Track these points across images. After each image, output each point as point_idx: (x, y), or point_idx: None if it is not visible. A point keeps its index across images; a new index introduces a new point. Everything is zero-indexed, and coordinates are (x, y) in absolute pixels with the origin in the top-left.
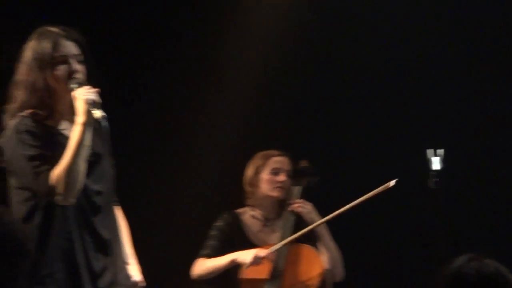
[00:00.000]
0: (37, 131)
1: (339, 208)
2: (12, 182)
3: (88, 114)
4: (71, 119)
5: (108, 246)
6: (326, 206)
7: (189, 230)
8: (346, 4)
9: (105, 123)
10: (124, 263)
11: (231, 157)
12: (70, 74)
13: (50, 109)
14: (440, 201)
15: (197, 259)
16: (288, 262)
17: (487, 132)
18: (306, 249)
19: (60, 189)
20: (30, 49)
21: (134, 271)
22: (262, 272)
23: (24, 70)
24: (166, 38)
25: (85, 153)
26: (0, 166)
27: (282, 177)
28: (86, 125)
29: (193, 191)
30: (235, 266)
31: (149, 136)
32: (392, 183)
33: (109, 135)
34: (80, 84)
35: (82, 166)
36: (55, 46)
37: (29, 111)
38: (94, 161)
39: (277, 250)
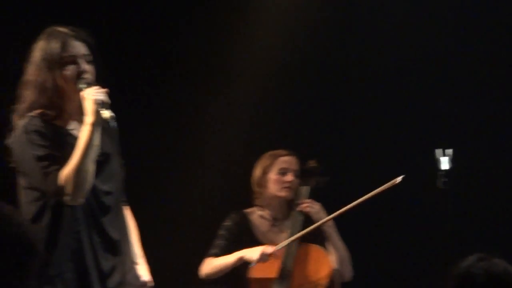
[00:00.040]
0: (46, 131)
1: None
2: (21, 182)
3: (97, 114)
4: (80, 119)
5: (117, 246)
6: (335, 206)
7: (198, 229)
8: (356, 4)
9: (113, 123)
10: (133, 263)
11: (240, 157)
12: (79, 74)
13: (59, 109)
14: (449, 201)
15: (206, 259)
16: (297, 262)
17: (496, 132)
18: (315, 249)
19: (68, 189)
20: (39, 49)
21: (143, 271)
22: (271, 271)
23: (33, 70)
24: (174, 38)
25: (94, 153)
26: (9, 166)
27: (289, 177)
28: (94, 125)
29: (202, 190)
30: (244, 266)
31: (158, 136)
32: (399, 179)
33: (117, 135)
34: (89, 84)
35: (90, 166)
36: (64, 46)
37: (38, 111)
38: (103, 161)
39: (285, 249)
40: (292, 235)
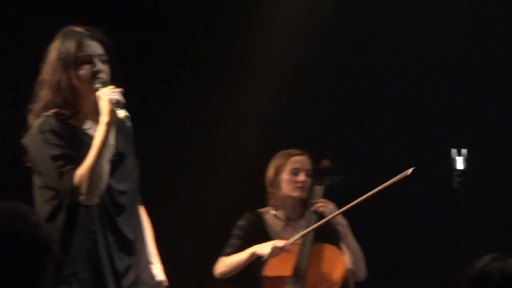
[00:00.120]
0: (61, 130)
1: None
2: (37, 181)
3: (112, 113)
4: (95, 119)
5: (131, 246)
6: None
7: (212, 229)
8: (371, 2)
9: (128, 123)
10: (148, 262)
11: (255, 156)
12: (94, 74)
13: (74, 108)
14: (463, 201)
15: (220, 258)
16: (311, 261)
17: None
18: (329, 249)
19: (83, 189)
20: (55, 49)
21: (158, 271)
22: (285, 270)
23: (48, 70)
24: (189, 37)
25: (108, 153)
26: (25, 166)
27: (302, 177)
28: (109, 124)
29: (216, 190)
30: (258, 265)
31: (172, 135)
32: (410, 171)
33: (132, 134)
34: (104, 84)
35: (105, 166)
36: (79, 46)
37: (54, 110)
38: (118, 161)
39: (299, 249)
40: (306, 235)
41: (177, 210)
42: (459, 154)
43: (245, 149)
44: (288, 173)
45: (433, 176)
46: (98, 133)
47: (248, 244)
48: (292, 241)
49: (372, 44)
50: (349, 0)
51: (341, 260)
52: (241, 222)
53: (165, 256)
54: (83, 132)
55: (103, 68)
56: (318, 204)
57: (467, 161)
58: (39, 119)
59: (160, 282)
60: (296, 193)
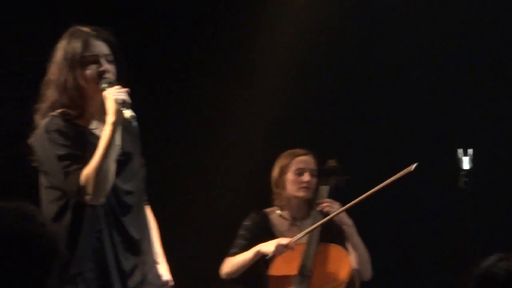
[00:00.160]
0: (68, 130)
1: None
2: (43, 181)
3: (118, 113)
4: (101, 119)
5: (137, 246)
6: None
7: (218, 229)
8: (377, 2)
9: (134, 123)
10: (154, 262)
11: (260, 156)
12: (100, 74)
13: (81, 108)
14: (469, 201)
15: (226, 259)
16: (317, 261)
17: None
18: (335, 249)
19: (89, 188)
20: (61, 49)
21: (164, 271)
22: (290, 269)
23: (55, 70)
24: (195, 38)
25: (115, 153)
26: (31, 166)
27: (306, 177)
28: (116, 124)
29: (223, 190)
30: (264, 264)
31: (178, 135)
32: (413, 166)
33: (138, 134)
34: (110, 84)
35: (112, 166)
36: (86, 45)
37: (60, 110)
38: (124, 161)
39: (305, 249)
40: (312, 234)
41: (183, 210)
42: (465, 154)
43: (251, 149)
44: (293, 174)
45: (439, 176)
46: (104, 133)
47: (254, 244)
48: (296, 239)
49: (378, 44)
50: (355, 1)
51: (347, 260)
52: (246, 222)
53: (171, 256)
54: (90, 132)
55: (109, 68)
56: (324, 204)
57: (473, 161)
58: (45, 119)
59: (166, 282)
60: (301, 193)
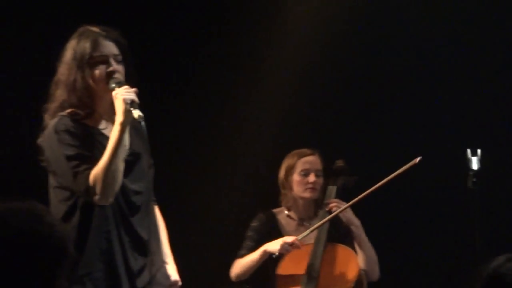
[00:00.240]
0: (76, 130)
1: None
2: (52, 181)
3: (127, 113)
4: (110, 119)
5: (146, 246)
6: (363, 207)
7: (227, 229)
8: (385, 4)
9: (143, 123)
10: (163, 262)
11: (269, 155)
12: (109, 74)
13: (90, 108)
14: (478, 201)
15: (235, 260)
16: (324, 262)
17: None
18: (342, 249)
19: (98, 189)
20: (70, 49)
21: (172, 271)
22: (298, 269)
23: (64, 70)
24: (204, 39)
25: (123, 153)
26: (40, 166)
27: (312, 178)
28: (124, 124)
29: (231, 190)
30: (272, 264)
31: (186, 135)
32: (418, 159)
33: (146, 134)
34: (119, 84)
35: (120, 166)
36: (95, 45)
37: (69, 110)
38: (133, 161)
39: (313, 249)
40: (319, 234)
41: (191, 210)
42: (474, 154)
43: (260, 149)
44: (299, 174)
45: (448, 176)
46: (113, 133)
47: (261, 245)
48: (301, 237)
49: (387, 44)
50: (362, 1)
51: (354, 261)
52: (254, 223)
53: (179, 256)
54: (99, 132)
55: (118, 68)
56: (332, 204)
57: (482, 161)
58: (54, 119)
59: (174, 282)
60: (307, 194)
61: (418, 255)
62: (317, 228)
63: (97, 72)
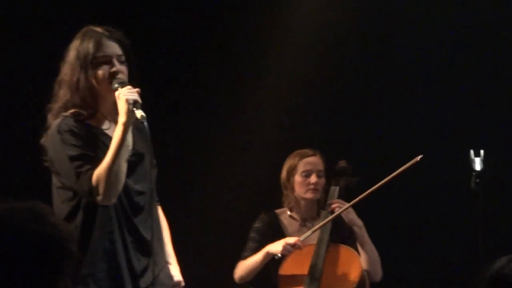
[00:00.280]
0: (79, 131)
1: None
2: (55, 182)
3: (129, 114)
4: (113, 119)
5: (149, 246)
6: (366, 207)
7: (230, 229)
8: (389, 5)
9: (145, 123)
10: (166, 262)
11: (271, 156)
12: (112, 74)
13: (93, 108)
14: (481, 202)
15: (238, 262)
16: (327, 262)
17: None
18: (345, 250)
19: (101, 189)
20: (74, 49)
21: (175, 271)
22: (301, 269)
23: (67, 70)
24: (207, 37)
25: (126, 153)
26: (44, 166)
27: (313, 179)
28: (127, 125)
29: (234, 190)
30: (274, 264)
31: (190, 136)
32: (419, 158)
33: (149, 134)
34: (122, 84)
35: (123, 166)
36: (98, 46)
37: (72, 111)
38: (136, 161)
39: (316, 250)
40: (322, 235)
41: (194, 210)
42: (477, 155)
43: (262, 149)
44: (300, 176)
45: (451, 177)
46: (116, 133)
47: (265, 246)
48: (303, 238)
49: (390, 45)
50: (367, 2)
51: (357, 261)
52: (256, 224)
53: (182, 257)
54: (102, 132)
55: (121, 68)
56: (334, 205)
57: (485, 162)
58: (57, 120)
59: (177, 283)
60: (308, 195)
61: (420, 256)
62: (319, 228)
63: (100, 72)
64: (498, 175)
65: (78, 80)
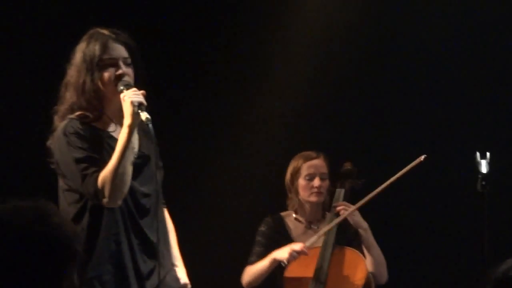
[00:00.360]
0: (85, 133)
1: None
2: (61, 184)
3: (135, 116)
4: (119, 122)
5: (155, 249)
6: (372, 209)
7: (236, 231)
8: (394, 5)
9: (150, 125)
10: (172, 265)
11: (277, 158)
12: (118, 77)
13: (99, 111)
14: (487, 204)
15: (246, 267)
16: (333, 264)
17: None
18: (351, 252)
19: (107, 191)
20: (80, 51)
21: (181, 274)
22: (306, 272)
23: (73, 72)
24: (212, 39)
25: (131, 155)
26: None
27: (317, 182)
28: (132, 127)
29: (240, 192)
30: (280, 267)
31: (196, 138)
32: (422, 157)
33: (155, 137)
34: (127, 86)
35: (128, 169)
36: (104, 48)
37: (78, 113)
38: (142, 163)
39: (321, 252)
40: (328, 237)
41: (200, 212)
42: (483, 157)
43: (268, 151)
44: (304, 179)
45: (457, 180)
46: (121, 135)
47: (271, 249)
48: (310, 243)
49: (396, 46)
50: (372, 1)
51: (362, 264)
52: (262, 228)
53: (188, 259)
54: (108, 134)
55: (127, 71)
56: (339, 207)
57: (491, 164)
58: (63, 122)
59: (183, 285)
60: (313, 198)
61: (426, 258)
62: (324, 233)
63: (106, 74)
64: (504, 177)
65: (84, 82)
